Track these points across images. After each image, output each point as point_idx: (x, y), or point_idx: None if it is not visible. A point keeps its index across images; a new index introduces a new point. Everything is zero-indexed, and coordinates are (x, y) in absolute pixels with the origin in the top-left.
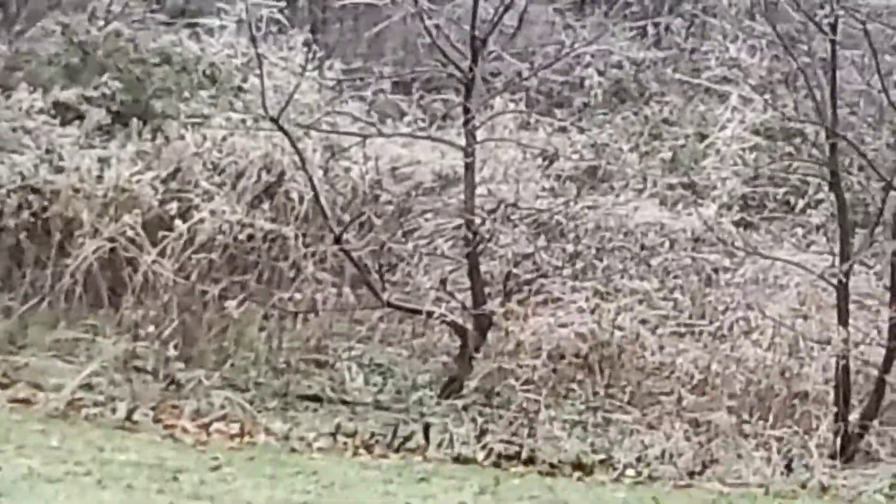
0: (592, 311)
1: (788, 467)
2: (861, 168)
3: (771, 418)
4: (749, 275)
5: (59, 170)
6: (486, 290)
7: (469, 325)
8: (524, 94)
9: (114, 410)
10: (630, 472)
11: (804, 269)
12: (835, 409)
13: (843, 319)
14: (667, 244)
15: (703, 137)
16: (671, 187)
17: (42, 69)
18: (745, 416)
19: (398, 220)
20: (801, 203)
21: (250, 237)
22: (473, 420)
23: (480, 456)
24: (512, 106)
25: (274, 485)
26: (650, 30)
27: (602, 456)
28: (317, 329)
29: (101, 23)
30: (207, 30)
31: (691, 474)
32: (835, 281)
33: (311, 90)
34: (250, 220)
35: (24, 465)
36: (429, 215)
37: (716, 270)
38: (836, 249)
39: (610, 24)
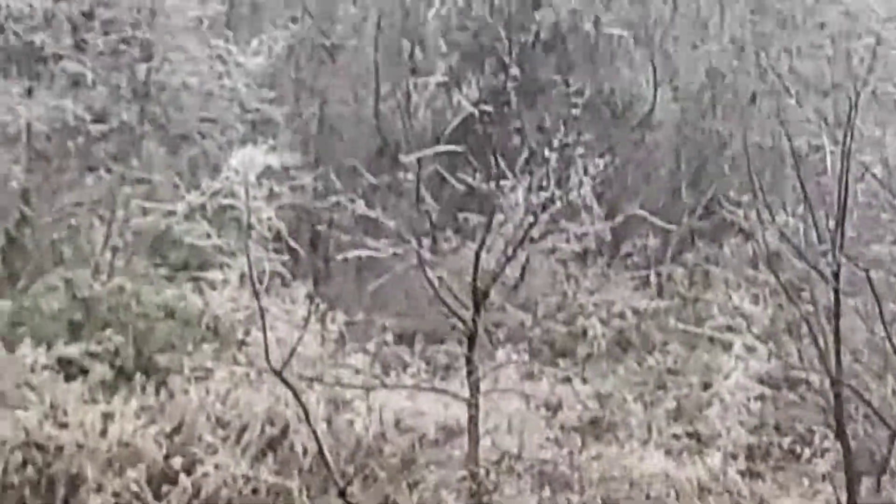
0: None
1: None
2: (866, 416)
3: None
4: None
5: (63, 425)
6: None
7: None
8: (527, 344)
9: None
10: None
11: None
12: None
13: None
14: (673, 494)
15: (707, 386)
16: (676, 437)
17: (46, 325)
18: None
19: (402, 472)
20: (806, 452)
21: (255, 491)
22: None
23: None
24: (515, 356)
25: None
26: (653, 279)
27: None
28: None
29: (105, 277)
30: (210, 283)
31: None
32: None
33: (314, 342)
34: (254, 474)
35: None
36: (433, 467)
37: None
38: (843, 498)
39: (612, 274)
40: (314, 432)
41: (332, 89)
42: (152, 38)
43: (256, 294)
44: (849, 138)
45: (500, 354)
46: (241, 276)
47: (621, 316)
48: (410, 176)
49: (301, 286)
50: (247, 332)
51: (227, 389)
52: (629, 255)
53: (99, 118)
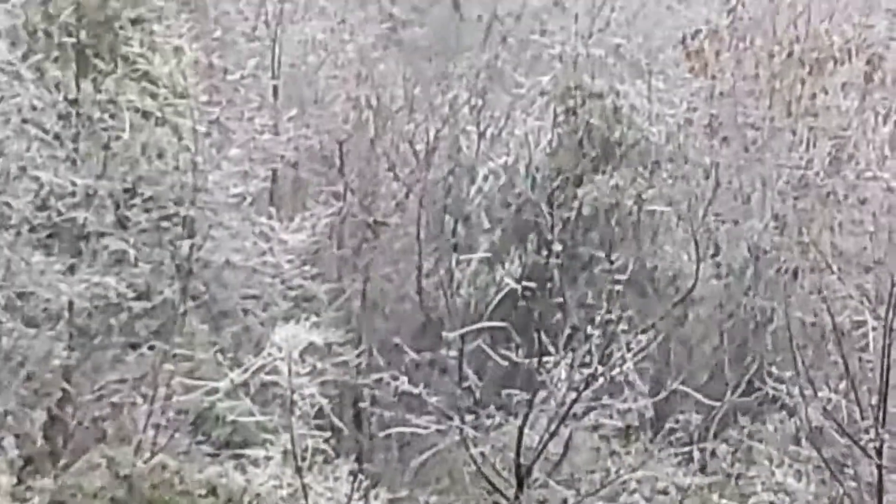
0: None
1: None
2: None
3: None
4: None
5: None
6: None
7: None
8: None
9: None
10: None
11: None
12: None
13: None
14: None
15: None
16: None
17: (88, 503)
18: None
19: None
20: None
21: None
22: None
23: None
24: None
25: None
26: (696, 455)
27: None
28: None
29: (147, 455)
30: (253, 460)
31: None
32: None
33: None
34: None
35: None
36: None
37: None
38: None
39: (655, 450)
40: None
41: (375, 266)
42: (195, 214)
43: (299, 471)
44: (891, 314)
45: None
46: (284, 453)
47: (664, 492)
48: (453, 352)
49: (344, 463)
50: None
51: None
52: (672, 430)
53: (141, 295)
